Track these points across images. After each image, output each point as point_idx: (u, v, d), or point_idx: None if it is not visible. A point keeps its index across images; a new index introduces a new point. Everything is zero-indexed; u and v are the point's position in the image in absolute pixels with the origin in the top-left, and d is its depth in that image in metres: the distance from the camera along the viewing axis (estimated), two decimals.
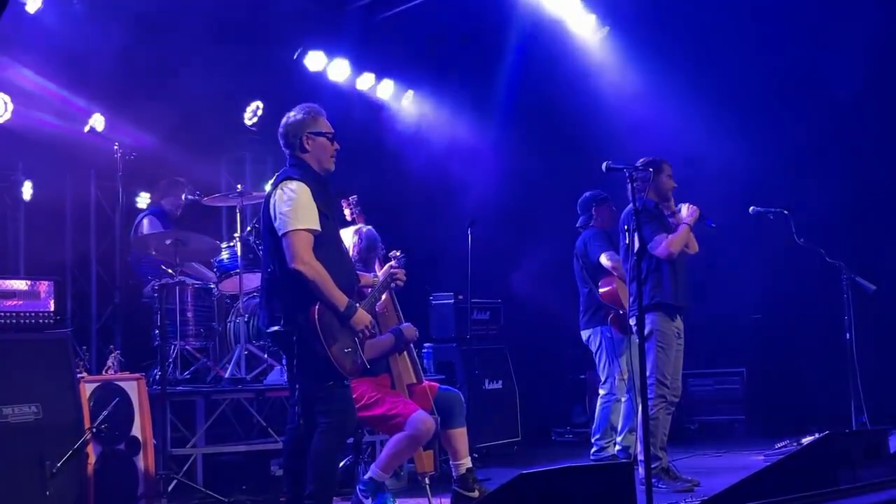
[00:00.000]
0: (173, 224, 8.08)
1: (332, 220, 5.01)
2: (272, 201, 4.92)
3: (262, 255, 5.14)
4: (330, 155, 5.08)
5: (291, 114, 5.11)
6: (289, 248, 4.78)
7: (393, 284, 5.78)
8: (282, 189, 4.89)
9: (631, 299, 6.69)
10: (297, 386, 5.01)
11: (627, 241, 6.63)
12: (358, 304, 5.00)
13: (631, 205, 6.53)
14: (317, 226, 4.84)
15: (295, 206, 4.82)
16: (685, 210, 6.81)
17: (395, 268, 5.81)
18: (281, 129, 5.11)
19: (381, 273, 5.86)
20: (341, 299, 4.83)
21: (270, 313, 4.94)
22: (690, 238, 6.85)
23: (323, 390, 4.86)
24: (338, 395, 4.90)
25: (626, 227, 5.53)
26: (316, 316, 4.76)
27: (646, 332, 6.62)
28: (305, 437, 4.95)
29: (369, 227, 6.38)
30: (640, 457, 5.07)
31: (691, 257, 7.05)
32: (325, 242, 4.90)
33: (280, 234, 4.83)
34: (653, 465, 6.41)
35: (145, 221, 7.95)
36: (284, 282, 4.84)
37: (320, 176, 5.05)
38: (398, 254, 5.99)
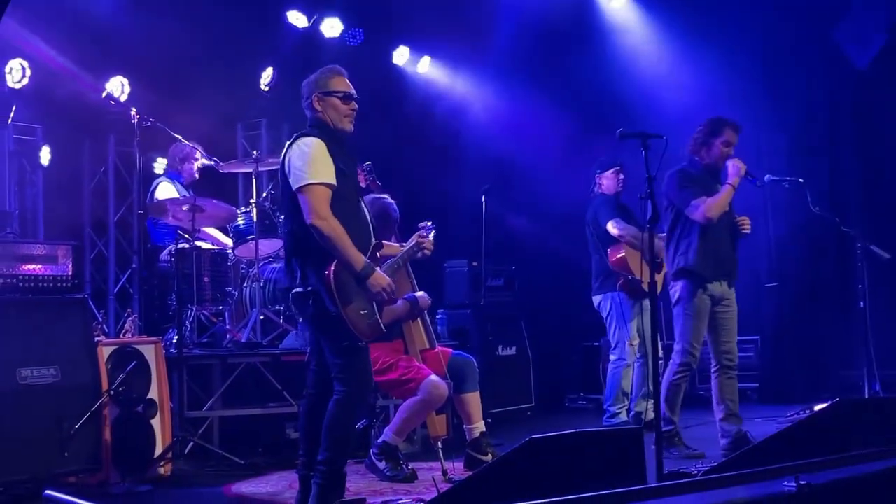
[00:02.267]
0: (189, 188, 8.10)
1: (349, 178, 4.86)
2: (287, 158, 4.81)
3: (283, 215, 4.99)
4: (343, 115, 4.93)
5: (311, 75, 5.01)
6: (305, 203, 4.66)
7: (420, 254, 5.74)
8: (296, 145, 4.78)
9: (668, 265, 6.64)
10: (312, 349, 4.95)
11: (666, 205, 6.54)
12: (377, 267, 4.87)
13: (671, 170, 6.50)
14: (333, 180, 4.71)
15: (309, 160, 4.70)
16: (731, 168, 6.43)
17: (423, 237, 5.77)
18: (301, 92, 5.01)
19: (409, 241, 5.83)
20: (358, 259, 4.69)
21: (290, 273, 4.83)
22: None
23: (338, 352, 4.74)
24: (353, 357, 4.76)
25: (641, 196, 5.47)
26: (332, 275, 4.63)
27: (674, 299, 6.54)
28: (319, 400, 4.89)
29: (385, 196, 6.36)
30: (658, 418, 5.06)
31: None
32: (342, 199, 4.75)
33: (295, 188, 4.70)
34: (667, 429, 6.44)
35: (160, 187, 7.97)
36: (302, 240, 4.72)
37: (338, 133, 4.91)
38: (428, 224, 5.94)
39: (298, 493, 4.96)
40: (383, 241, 5.58)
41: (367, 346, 4.88)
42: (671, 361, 6.61)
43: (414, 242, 5.72)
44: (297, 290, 4.76)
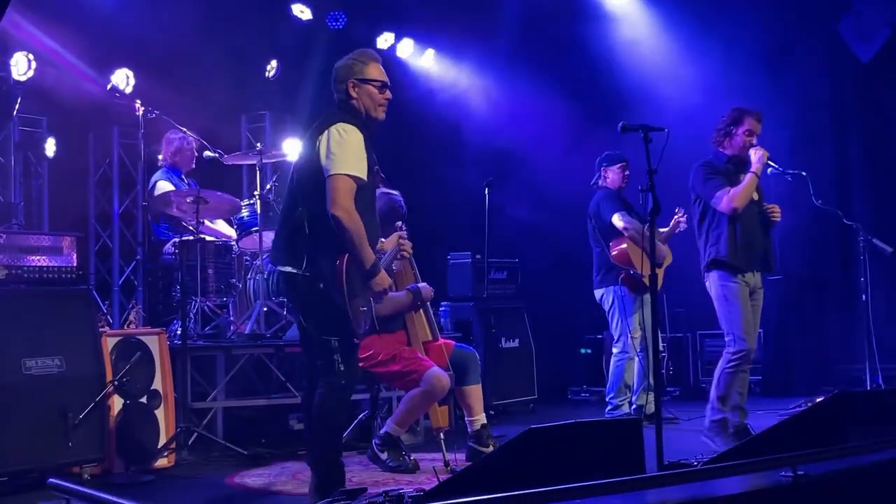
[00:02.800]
0: (189, 179, 8.10)
1: (372, 176, 4.78)
2: (323, 140, 4.65)
3: (288, 194, 4.89)
4: (378, 104, 4.85)
5: (345, 58, 4.92)
6: (331, 192, 4.56)
7: (399, 255, 5.76)
8: (337, 130, 4.65)
9: (701, 257, 6.57)
10: (305, 337, 4.87)
11: (693, 198, 6.54)
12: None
13: (696, 163, 6.49)
14: (364, 175, 4.64)
15: (348, 148, 4.60)
16: (753, 156, 6.41)
17: (403, 239, 5.78)
18: (333, 73, 4.91)
19: (388, 243, 5.82)
20: (370, 256, 4.65)
21: (291, 253, 4.70)
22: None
23: (333, 344, 4.67)
24: (346, 350, 4.72)
25: (640, 187, 5.45)
26: (344, 266, 4.59)
27: (712, 291, 6.48)
28: (313, 391, 4.86)
29: (394, 192, 6.38)
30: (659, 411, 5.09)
31: None
32: (364, 193, 4.70)
33: (327, 174, 4.59)
34: (715, 419, 6.44)
35: (158, 185, 7.93)
36: (315, 224, 4.63)
37: (368, 123, 4.83)
38: (399, 223, 5.95)
39: (311, 479, 4.92)
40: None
41: (358, 343, 4.87)
42: (724, 351, 6.47)
43: (395, 245, 5.70)
44: (300, 272, 4.65)
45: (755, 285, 6.51)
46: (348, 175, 4.59)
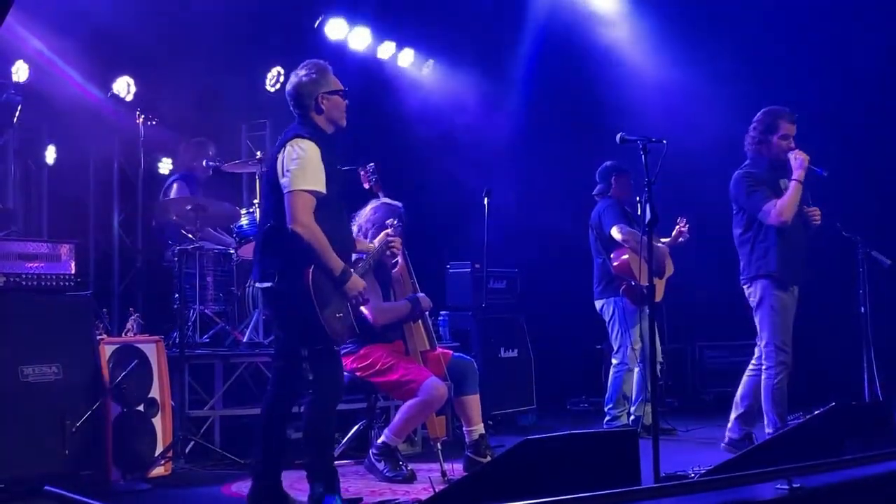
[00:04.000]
0: (202, 187, 8.13)
1: (336, 184, 4.90)
2: (280, 157, 4.82)
3: (262, 210, 5.08)
4: (343, 112, 5.01)
5: (301, 73, 5.01)
6: (290, 207, 4.71)
7: (388, 252, 5.74)
8: (292, 146, 4.80)
9: (741, 267, 6.51)
10: (281, 347, 4.99)
11: (736, 210, 6.48)
12: (353, 270, 4.95)
13: (743, 168, 6.42)
14: (322, 188, 4.77)
15: (303, 164, 4.74)
16: (793, 161, 6.30)
17: (390, 236, 5.78)
18: (292, 90, 5.01)
19: (377, 240, 5.83)
20: (337, 264, 4.77)
21: (263, 269, 4.88)
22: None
23: (312, 353, 4.80)
24: (327, 358, 4.85)
25: (638, 198, 5.43)
26: (310, 278, 4.69)
27: (756, 298, 6.41)
28: (283, 400, 5.00)
29: (397, 203, 6.37)
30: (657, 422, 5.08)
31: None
32: (326, 205, 4.81)
33: (285, 191, 4.75)
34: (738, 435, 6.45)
35: (174, 186, 8.00)
36: (282, 239, 4.76)
37: (329, 136, 4.97)
38: (394, 222, 5.95)
39: (251, 491, 5.03)
40: (358, 238, 5.67)
41: (340, 349, 4.97)
42: (765, 367, 6.41)
43: (383, 242, 5.70)
44: (273, 287, 4.81)
45: (795, 297, 6.48)
46: (305, 191, 4.73)
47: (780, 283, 6.33)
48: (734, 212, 6.51)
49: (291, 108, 5.06)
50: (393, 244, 5.68)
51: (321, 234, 4.72)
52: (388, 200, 6.36)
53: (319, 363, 4.83)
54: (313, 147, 4.81)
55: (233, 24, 8.37)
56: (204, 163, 8.08)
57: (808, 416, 7.58)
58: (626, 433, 3.72)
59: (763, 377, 6.35)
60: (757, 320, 6.42)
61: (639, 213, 6.54)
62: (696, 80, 9.77)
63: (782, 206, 6.20)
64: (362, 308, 6.01)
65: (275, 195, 4.84)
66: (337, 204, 4.97)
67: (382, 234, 5.79)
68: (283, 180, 4.78)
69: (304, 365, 4.83)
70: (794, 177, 6.27)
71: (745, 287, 6.47)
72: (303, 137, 4.84)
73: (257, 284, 5.01)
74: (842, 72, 9.65)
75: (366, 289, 4.98)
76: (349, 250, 5.05)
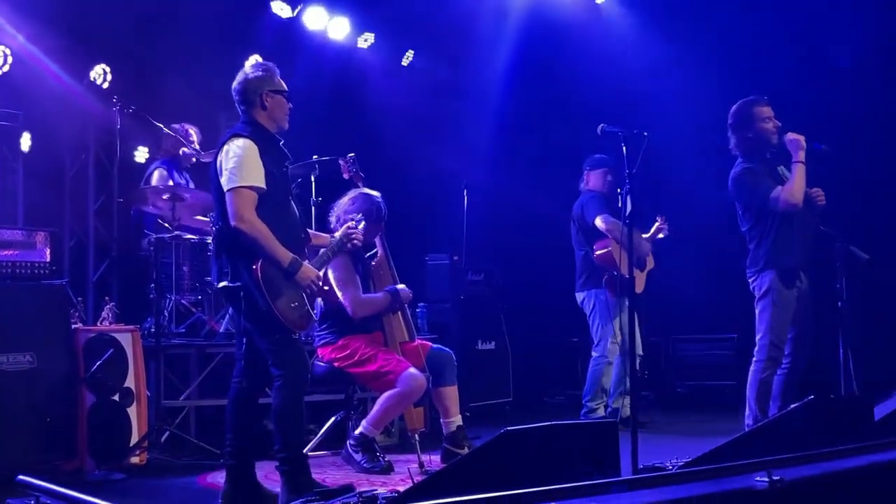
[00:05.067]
0: (186, 174, 8.08)
1: (280, 179, 4.98)
2: (219, 158, 4.92)
3: (214, 212, 5.14)
4: (286, 113, 5.09)
5: (248, 70, 5.09)
6: (230, 206, 4.80)
7: (349, 245, 5.71)
8: (229, 146, 4.88)
9: (748, 260, 6.40)
10: (244, 340, 5.02)
11: (742, 210, 6.34)
12: (305, 261, 4.98)
13: (738, 167, 6.28)
14: (261, 184, 4.84)
15: (240, 162, 4.81)
16: (790, 145, 6.17)
17: (352, 229, 5.75)
18: (238, 86, 5.07)
19: (337, 233, 5.80)
20: (284, 256, 4.83)
21: (219, 268, 5.01)
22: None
23: (272, 344, 4.90)
24: (287, 347, 4.92)
25: (619, 190, 5.39)
26: (259, 271, 4.76)
27: (762, 291, 6.29)
28: (249, 392, 5.06)
29: (376, 195, 6.33)
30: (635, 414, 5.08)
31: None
32: (272, 200, 4.89)
33: (224, 190, 4.83)
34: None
35: (155, 173, 7.93)
36: (231, 237, 4.84)
37: (271, 134, 5.04)
38: (358, 216, 5.91)
39: (225, 483, 5.07)
40: (313, 232, 5.66)
41: (300, 336, 5.02)
42: (754, 359, 6.32)
43: (344, 234, 5.68)
44: (229, 285, 4.90)
45: (803, 288, 6.38)
46: (244, 187, 4.81)
47: (788, 277, 6.24)
48: (739, 212, 6.38)
49: (237, 105, 5.11)
50: (354, 237, 5.63)
51: (264, 227, 4.80)
52: (367, 190, 6.34)
53: (281, 352, 4.92)
54: (250, 144, 4.87)
55: (211, 12, 8.30)
56: (181, 151, 8.02)
57: (785, 410, 7.64)
58: (606, 425, 3.72)
59: (751, 368, 6.31)
60: (757, 312, 6.36)
61: (619, 205, 6.56)
62: (678, 71, 9.78)
63: (790, 190, 6.09)
64: (341, 299, 6.01)
65: (220, 196, 4.92)
66: (283, 199, 5.04)
67: (343, 226, 5.74)
68: (222, 180, 4.87)
69: (266, 357, 4.93)
70: (794, 159, 6.16)
71: (750, 280, 6.40)
72: (240, 136, 4.91)
73: (216, 285, 5.14)
74: (819, 65, 9.68)
75: (319, 277, 5.02)
76: (300, 243, 5.10)
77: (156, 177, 7.83)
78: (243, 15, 8.94)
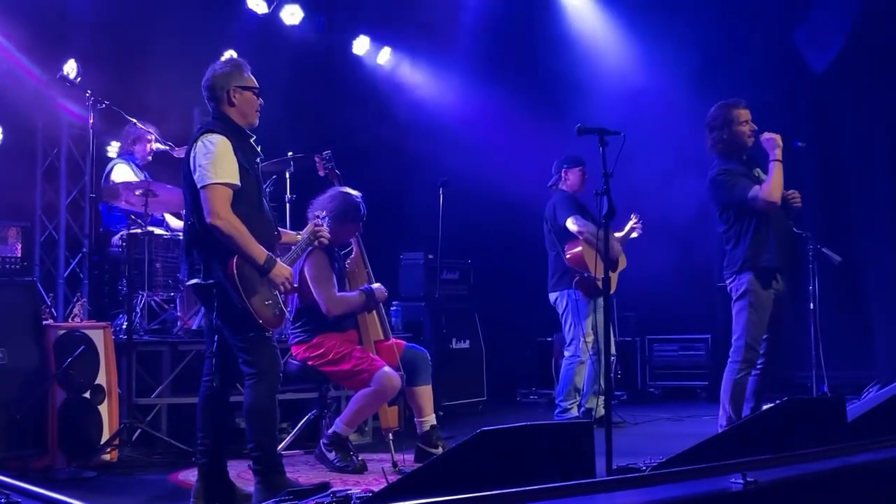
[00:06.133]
0: (144, 170, 8.02)
1: (252, 175, 4.94)
2: (192, 154, 4.85)
3: (185, 208, 5.05)
4: (255, 109, 5.02)
5: (217, 66, 5.03)
6: (206, 202, 4.74)
7: (316, 242, 5.67)
8: (202, 142, 4.81)
9: (725, 262, 6.34)
10: (215, 338, 4.99)
11: (720, 211, 6.29)
12: (278, 259, 4.95)
13: (714, 168, 6.24)
14: (236, 180, 4.79)
15: (214, 159, 4.75)
16: (765, 144, 6.15)
17: (318, 226, 5.72)
18: (206, 82, 5.01)
19: (305, 231, 5.77)
20: (260, 253, 4.80)
21: (190, 265, 4.95)
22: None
23: (245, 342, 4.86)
24: (260, 345, 4.88)
25: (595, 191, 5.36)
26: (234, 269, 4.73)
27: (739, 292, 6.22)
28: (220, 391, 5.01)
29: (356, 194, 6.31)
30: (610, 414, 5.08)
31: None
32: (245, 197, 4.85)
33: (199, 186, 4.78)
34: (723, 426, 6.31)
35: (116, 169, 7.87)
36: (203, 235, 4.79)
37: (242, 130, 4.99)
38: (322, 213, 5.87)
39: (197, 482, 5.02)
40: (281, 230, 5.62)
41: (272, 334, 4.98)
42: (730, 360, 6.27)
43: (310, 232, 5.65)
44: (200, 282, 4.85)
45: (780, 290, 6.31)
46: (219, 183, 4.76)
47: (764, 278, 6.19)
48: (717, 213, 6.35)
49: (206, 102, 5.05)
50: (320, 234, 5.60)
51: (240, 224, 4.76)
52: (347, 189, 6.31)
53: (254, 350, 4.88)
54: (223, 140, 4.81)
55: (186, 7, 8.25)
56: (149, 147, 7.97)
57: (760, 411, 7.67)
58: (581, 425, 3.71)
59: (726, 369, 6.31)
60: (734, 314, 6.36)
61: (596, 205, 6.54)
62: (657, 73, 9.82)
63: (768, 188, 6.07)
64: (316, 297, 5.98)
65: (192, 192, 4.85)
66: (255, 196, 4.99)
67: (310, 224, 5.71)
68: (195, 176, 4.80)
69: (238, 355, 4.90)
70: (772, 157, 6.15)
71: (727, 282, 6.40)
72: (212, 132, 4.85)
73: (187, 282, 5.10)
74: (791, 64, 9.75)
75: (292, 275, 5.00)
76: (271, 241, 5.06)
77: (120, 172, 7.75)
78: (219, 10, 8.88)
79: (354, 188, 6.37)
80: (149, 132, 7.87)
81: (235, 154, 4.83)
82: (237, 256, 4.75)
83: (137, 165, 7.93)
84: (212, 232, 4.74)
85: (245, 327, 4.84)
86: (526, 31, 10.50)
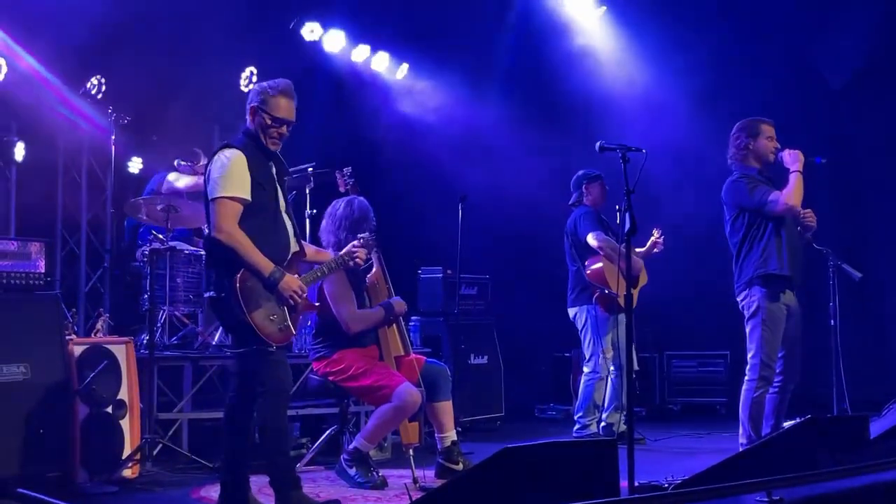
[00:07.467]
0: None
1: (269, 190, 4.94)
2: (209, 168, 4.92)
3: (206, 222, 5.08)
4: (269, 137, 4.97)
5: (265, 83, 5.05)
6: (213, 216, 4.80)
7: (351, 263, 5.67)
8: (218, 156, 4.87)
9: (735, 275, 6.38)
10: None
11: (734, 215, 6.32)
12: (294, 274, 4.97)
13: (735, 174, 6.30)
14: (246, 195, 4.80)
15: (226, 173, 4.79)
16: (787, 158, 6.22)
17: (356, 247, 5.72)
18: (248, 93, 5.10)
19: (345, 249, 5.76)
20: (265, 266, 4.78)
21: (207, 279, 5.05)
22: None
23: (247, 356, 4.87)
24: (263, 361, 4.86)
25: (617, 207, 5.35)
26: (238, 282, 4.74)
27: (751, 309, 6.25)
28: (239, 407, 4.98)
29: (361, 198, 6.35)
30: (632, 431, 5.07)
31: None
32: (258, 212, 4.86)
33: (209, 199, 4.84)
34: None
35: (170, 175, 7.92)
36: (216, 248, 4.83)
37: (265, 147, 4.98)
38: (366, 235, 5.87)
39: (220, 498, 5.03)
40: (315, 248, 5.68)
41: (278, 349, 4.95)
42: (747, 378, 6.27)
43: (347, 252, 5.65)
44: (213, 295, 4.89)
45: (792, 303, 6.33)
46: (227, 198, 4.80)
47: (775, 291, 6.20)
48: (730, 218, 6.36)
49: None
50: (357, 255, 5.62)
51: (244, 237, 4.76)
52: (352, 196, 6.35)
53: (257, 365, 4.87)
54: (238, 155, 4.84)
55: (208, 24, 8.30)
56: (176, 163, 8.03)
57: (783, 429, 7.64)
58: (605, 443, 3.70)
59: (744, 388, 6.30)
60: (747, 331, 6.35)
61: (617, 221, 6.54)
62: (673, 90, 9.83)
63: (788, 193, 6.10)
64: (336, 314, 5.99)
65: (206, 207, 4.92)
66: (272, 212, 4.98)
67: (351, 244, 5.72)
68: (208, 189, 4.87)
69: (246, 368, 4.92)
70: (794, 169, 6.17)
71: (739, 298, 6.39)
72: (230, 147, 4.90)
73: (204, 295, 5.15)
74: (809, 81, 9.75)
75: (303, 289, 4.98)
76: (286, 256, 5.01)
77: (172, 176, 7.83)
78: (238, 26, 8.93)
79: (374, 204, 6.39)
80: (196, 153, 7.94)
81: (251, 170, 4.85)
82: (244, 270, 4.77)
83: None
84: (218, 245, 4.78)
85: (247, 340, 4.85)
86: (542, 48, 10.51)
